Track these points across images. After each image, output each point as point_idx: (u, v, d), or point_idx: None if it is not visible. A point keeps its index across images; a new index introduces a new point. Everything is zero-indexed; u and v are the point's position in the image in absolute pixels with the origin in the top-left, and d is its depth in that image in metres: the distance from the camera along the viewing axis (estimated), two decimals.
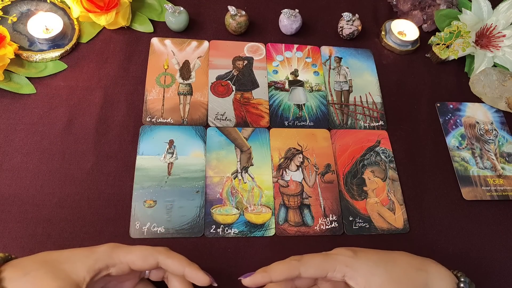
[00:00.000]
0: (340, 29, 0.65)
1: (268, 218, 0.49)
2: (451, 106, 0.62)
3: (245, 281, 0.37)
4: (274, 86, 0.59)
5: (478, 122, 0.61)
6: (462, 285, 0.36)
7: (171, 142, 0.52)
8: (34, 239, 0.44)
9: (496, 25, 0.64)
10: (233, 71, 0.60)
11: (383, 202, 0.52)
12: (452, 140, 0.59)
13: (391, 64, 0.65)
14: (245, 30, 0.63)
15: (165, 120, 0.54)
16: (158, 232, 0.46)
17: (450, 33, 0.62)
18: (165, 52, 0.59)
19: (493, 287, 0.49)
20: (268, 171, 0.52)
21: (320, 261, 0.37)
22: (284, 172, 0.53)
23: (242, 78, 0.59)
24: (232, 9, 0.60)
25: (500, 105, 0.62)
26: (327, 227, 0.50)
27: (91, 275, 0.33)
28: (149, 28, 0.61)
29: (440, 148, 0.58)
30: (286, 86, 0.60)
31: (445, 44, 0.64)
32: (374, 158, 0.55)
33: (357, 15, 0.64)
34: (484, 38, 0.66)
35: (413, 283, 0.36)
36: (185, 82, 0.57)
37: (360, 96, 0.61)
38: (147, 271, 0.39)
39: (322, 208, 0.51)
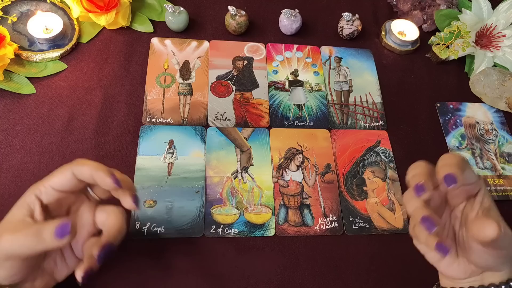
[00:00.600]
0: (340, 29, 0.65)
1: (268, 218, 0.49)
2: (451, 106, 0.62)
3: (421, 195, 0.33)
4: (274, 86, 0.59)
5: (478, 122, 0.61)
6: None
7: (171, 142, 0.52)
8: None
9: (496, 25, 0.64)
10: (233, 71, 0.60)
11: (383, 202, 0.52)
12: (452, 140, 0.59)
13: (391, 64, 0.65)
14: (245, 30, 0.63)
15: (165, 120, 0.54)
16: (158, 232, 0.46)
17: (450, 33, 0.62)
18: (165, 52, 0.59)
19: None
20: (268, 171, 0.52)
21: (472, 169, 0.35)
22: (284, 172, 0.53)
23: (242, 78, 0.59)
24: (232, 9, 0.60)
25: (500, 105, 0.62)
26: (327, 227, 0.50)
27: (25, 209, 0.34)
28: (149, 28, 0.61)
29: (440, 148, 0.58)
30: (286, 86, 0.60)
31: (445, 44, 0.64)
32: (374, 158, 0.55)
33: (357, 15, 0.64)
34: (484, 38, 0.66)
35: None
36: (185, 82, 0.57)
37: (360, 96, 0.61)
38: (90, 192, 0.38)
39: (322, 208, 0.51)
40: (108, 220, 0.37)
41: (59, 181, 0.35)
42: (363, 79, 0.62)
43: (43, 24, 0.56)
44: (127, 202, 0.36)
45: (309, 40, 0.65)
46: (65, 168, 0.35)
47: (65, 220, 0.31)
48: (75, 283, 0.42)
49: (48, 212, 0.36)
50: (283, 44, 0.64)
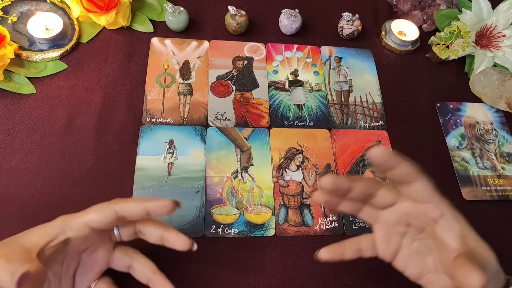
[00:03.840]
0: (340, 29, 0.65)
1: (268, 218, 0.49)
2: (451, 106, 0.62)
3: (325, 179, 0.34)
4: (274, 86, 0.59)
5: (478, 122, 0.61)
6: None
7: (171, 142, 0.52)
8: None
9: (496, 25, 0.64)
10: (233, 71, 0.60)
11: None
12: (452, 140, 0.59)
13: (391, 64, 0.65)
14: (245, 30, 0.63)
15: (165, 120, 0.54)
16: None
17: (450, 33, 0.62)
18: (165, 52, 0.59)
19: None
20: (268, 171, 0.52)
21: (432, 188, 0.35)
22: (284, 172, 0.53)
23: (242, 78, 0.59)
24: (232, 9, 0.60)
25: (500, 105, 0.62)
26: (327, 227, 0.50)
27: (45, 240, 0.32)
28: (149, 28, 0.61)
29: (440, 148, 0.58)
30: (286, 86, 0.60)
31: (445, 44, 0.64)
32: None
33: (357, 15, 0.64)
34: (484, 38, 0.66)
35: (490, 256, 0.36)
36: (185, 82, 0.57)
37: (360, 96, 0.61)
38: (115, 232, 0.37)
39: (322, 208, 0.51)
40: (138, 261, 0.38)
41: (97, 218, 0.34)
42: (363, 79, 0.62)
43: (43, 24, 0.56)
44: (181, 241, 0.37)
45: (309, 40, 0.65)
46: (105, 205, 0.35)
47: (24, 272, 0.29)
48: None
49: (65, 246, 0.35)
50: (283, 44, 0.64)
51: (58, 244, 0.33)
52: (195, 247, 0.37)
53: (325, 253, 0.39)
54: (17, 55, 0.54)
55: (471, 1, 0.65)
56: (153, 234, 0.38)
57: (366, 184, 0.37)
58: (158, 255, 0.45)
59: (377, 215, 0.39)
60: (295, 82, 0.60)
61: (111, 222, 0.35)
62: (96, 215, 0.34)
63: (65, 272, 0.37)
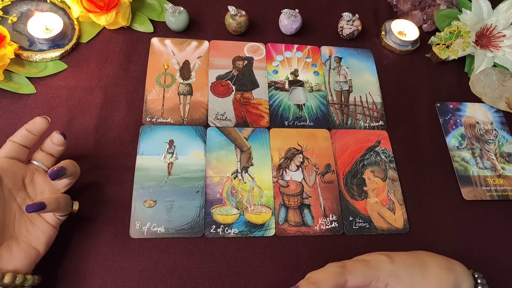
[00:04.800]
0: (340, 29, 0.65)
1: (268, 218, 0.49)
2: (451, 106, 0.62)
3: None
4: (274, 86, 0.59)
5: (478, 122, 0.61)
6: (480, 287, 0.36)
7: (171, 142, 0.52)
8: None
9: (496, 25, 0.64)
10: (233, 71, 0.60)
11: (383, 202, 0.52)
12: (452, 140, 0.59)
13: (391, 64, 0.65)
14: (245, 30, 0.63)
15: (165, 120, 0.54)
16: (158, 232, 0.46)
17: (450, 33, 0.62)
18: (165, 52, 0.59)
19: (494, 287, 0.49)
20: (268, 171, 0.52)
21: (365, 268, 0.36)
22: (284, 172, 0.53)
23: (242, 78, 0.59)
24: (232, 9, 0.60)
25: (500, 105, 0.62)
26: (327, 227, 0.50)
27: None
28: (149, 28, 0.61)
29: (440, 148, 0.58)
30: (286, 86, 0.60)
31: (445, 44, 0.64)
32: (374, 158, 0.55)
33: (357, 15, 0.64)
34: (484, 38, 0.66)
35: (447, 285, 0.36)
36: (185, 82, 0.57)
37: (360, 96, 0.61)
38: (35, 163, 0.43)
39: (322, 208, 0.51)
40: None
41: (4, 150, 0.40)
42: (363, 79, 0.62)
43: (43, 24, 0.56)
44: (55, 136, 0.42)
45: (309, 40, 0.65)
46: (5, 144, 0.41)
47: None
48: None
49: (5, 184, 0.39)
50: (283, 44, 0.64)
51: None
52: (64, 142, 0.43)
53: None
54: (17, 55, 0.54)
55: (471, 1, 0.65)
56: (48, 145, 0.43)
57: None
58: (158, 255, 0.45)
59: None
60: (295, 82, 0.60)
61: (17, 149, 0.41)
62: (2, 149, 0.41)
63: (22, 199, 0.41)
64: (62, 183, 0.42)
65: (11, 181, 0.40)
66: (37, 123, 0.42)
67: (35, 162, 0.43)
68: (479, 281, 0.37)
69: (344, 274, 0.35)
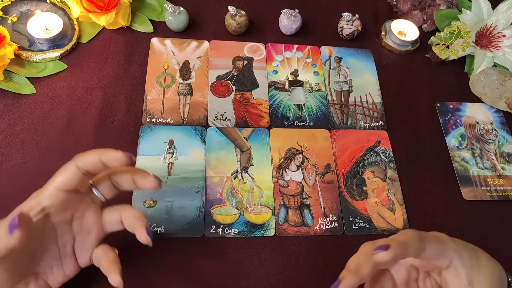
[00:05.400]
0: (340, 29, 0.65)
1: (268, 218, 0.49)
2: (451, 106, 0.62)
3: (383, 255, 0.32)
4: (274, 86, 0.59)
5: (478, 122, 0.61)
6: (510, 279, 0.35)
7: (171, 142, 0.52)
8: None
9: (496, 25, 0.64)
10: (233, 71, 0.60)
11: (383, 202, 0.52)
12: (452, 140, 0.59)
13: (391, 64, 0.65)
14: (245, 30, 0.63)
15: (165, 120, 0.54)
16: (158, 232, 0.46)
17: (450, 33, 0.62)
18: (165, 52, 0.59)
19: None
20: (268, 171, 0.52)
21: (437, 242, 0.33)
22: (284, 172, 0.52)
23: (242, 78, 0.59)
24: (232, 9, 0.60)
25: (500, 105, 0.62)
26: (327, 227, 0.50)
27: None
28: (149, 28, 0.61)
29: (440, 148, 0.58)
30: (286, 86, 0.60)
31: (445, 44, 0.64)
32: (374, 158, 0.55)
33: (357, 15, 0.64)
34: (484, 38, 0.66)
35: (496, 274, 0.34)
36: (185, 82, 0.57)
37: (360, 96, 0.61)
38: (95, 192, 0.38)
39: (322, 208, 0.51)
40: (126, 213, 0.38)
41: (63, 179, 0.34)
42: (363, 79, 0.62)
43: (43, 24, 0.56)
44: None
45: (309, 40, 0.65)
46: (67, 165, 0.35)
47: (14, 214, 0.31)
48: None
49: (50, 219, 0.35)
50: (283, 44, 0.64)
51: (35, 215, 0.33)
52: (163, 185, 0.39)
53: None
54: (17, 55, 0.54)
55: (471, 1, 0.65)
56: (127, 181, 0.38)
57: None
58: (158, 255, 0.45)
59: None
60: (295, 82, 0.60)
61: (78, 179, 0.34)
62: (61, 177, 0.34)
63: (63, 250, 0.37)
64: (111, 226, 0.39)
65: (58, 217, 0.35)
66: (118, 159, 0.35)
67: (95, 192, 0.38)
68: (509, 279, 0.36)
69: (424, 241, 0.33)
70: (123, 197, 0.48)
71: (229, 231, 0.47)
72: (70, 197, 0.35)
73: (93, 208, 0.38)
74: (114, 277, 0.35)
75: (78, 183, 0.35)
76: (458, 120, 0.61)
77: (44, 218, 0.34)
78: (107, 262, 0.37)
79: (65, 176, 0.34)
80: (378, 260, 0.32)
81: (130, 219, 0.38)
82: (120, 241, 0.45)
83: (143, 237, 0.36)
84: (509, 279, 0.36)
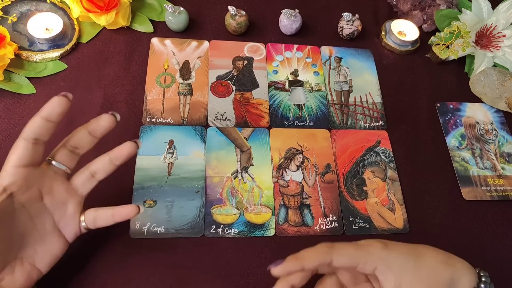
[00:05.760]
0: (340, 29, 0.65)
1: (268, 218, 0.49)
2: (451, 106, 0.62)
3: (275, 270, 0.34)
4: (274, 86, 0.59)
5: (478, 122, 0.61)
6: (482, 285, 0.35)
7: (171, 142, 0.52)
8: None
9: (496, 25, 0.64)
10: (233, 71, 0.60)
11: (383, 202, 0.52)
12: (452, 140, 0.59)
13: (391, 64, 0.65)
14: (245, 30, 0.63)
15: (165, 120, 0.54)
16: (158, 232, 0.46)
17: (450, 33, 0.62)
18: (165, 52, 0.59)
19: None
20: (268, 171, 0.52)
21: (353, 251, 0.35)
22: (284, 172, 0.52)
23: (242, 78, 0.59)
24: (232, 9, 0.60)
25: (500, 105, 0.62)
26: (327, 227, 0.50)
27: None
28: (149, 28, 0.61)
29: (440, 148, 0.58)
30: (286, 86, 0.60)
31: (445, 44, 0.64)
32: (374, 158, 0.55)
33: (357, 15, 0.64)
34: (484, 38, 0.66)
35: (441, 278, 0.35)
36: (185, 82, 0.57)
37: (360, 96, 0.61)
38: (56, 164, 0.38)
39: (322, 208, 0.51)
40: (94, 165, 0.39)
41: (16, 155, 0.34)
42: (363, 79, 0.62)
43: (43, 24, 0.56)
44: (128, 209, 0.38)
45: (309, 40, 0.65)
46: (15, 142, 0.34)
47: None
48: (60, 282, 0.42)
49: (16, 199, 0.35)
50: (283, 44, 0.64)
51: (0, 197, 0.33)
52: (117, 117, 0.40)
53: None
54: (17, 55, 0.54)
55: (471, 1, 0.65)
56: (82, 137, 0.38)
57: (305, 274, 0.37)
58: (158, 255, 0.45)
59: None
60: (295, 82, 0.60)
61: (30, 150, 0.34)
62: (14, 153, 0.34)
63: (42, 229, 0.36)
64: (85, 186, 0.39)
65: (24, 195, 0.35)
66: (55, 105, 0.35)
67: (54, 163, 0.37)
68: (483, 279, 0.36)
69: (330, 254, 0.34)
70: (123, 197, 0.48)
71: (229, 231, 0.47)
72: (29, 172, 0.35)
73: (59, 179, 0.37)
74: (129, 209, 0.38)
75: (31, 155, 0.34)
76: (458, 120, 0.61)
77: (9, 198, 0.34)
78: (107, 209, 0.39)
79: (17, 152, 0.34)
80: (273, 274, 0.34)
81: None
82: (120, 241, 0.46)
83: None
84: (481, 274, 0.36)
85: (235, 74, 0.60)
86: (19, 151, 0.34)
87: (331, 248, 0.35)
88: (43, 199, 0.37)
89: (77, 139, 0.38)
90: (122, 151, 0.40)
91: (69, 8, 0.58)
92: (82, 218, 0.39)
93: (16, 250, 0.35)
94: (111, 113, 0.39)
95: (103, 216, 0.39)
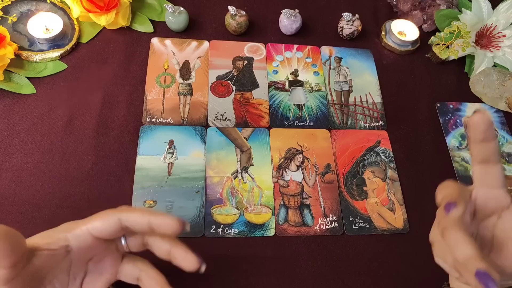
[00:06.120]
0: (340, 29, 0.65)
1: (268, 218, 0.49)
2: (451, 106, 0.62)
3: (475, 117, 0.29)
4: (274, 86, 0.59)
5: None
6: None
7: (171, 142, 0.52)
8: None
9: (496, 25, 0.64)
10: (233, 71, 0.60)
11: (383, 202, 0.52)
12: (452, 140, 0.59)
13: (391, 64, 0.65)
14: (245, 30, 0.63)
15: (165, 120, 0.54)
16: None
17: (450, 33, 0.62)
18: (165, 52, 0.59)
19: None
20: (268, 171, 0.52)
21: (504, 176, 0.32)
22: (284, 172, 0.53)
23: (242, 78, 0.59)
24: (232, 9, 0.60)
25: (500, 105, 0.62)
26: (327, 227, 0.50)
27: (44, 242, 0.31)
28: (149, 28, 0.61)
29: (440, 148, 0.58)
30: (286, 86, 0.60)
31: (445, 44, 0.64)
32: (374, 158, 0.55)
33: (357, 15, 0.64)
34: (484, 38, 0.66)
35: None
36: (185, 82, 0.57)
37: (360, 96, 0.61)
38: (123, 242, 0.35)
39: (322, 208, 0.51)
40: (147, 273, 0.36)
41: (100, 226, 0.32)
42: (363, 79, 0.62)
43: (43, 24, 0.56)
44: (189, 260, 0.34)
45: (309, 40, 0.65)
46: (110, 212, 0.33)
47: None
48: None
49: (68, 254, 0.33)
50: (283, 44, 0.64)
51: (58, 249, 0.32)
52: (203, 268, 0.35)
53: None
54: (17, 55, 0.54)
55: (471, 1, 0.65)
56: (161, 248, 0.36)
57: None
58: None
59: None
60: (295, 82, 0.60)
61: (115, 231, 0.33)
62: (100, 223, 0.32)
63: (72, 281, 0.35)
64: (127, 278, 0.36)
65: (79, 255, 0.33)
66: (169, 226, 0.32)
67: (123, 242, 0.35)
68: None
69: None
70: (123, 197, 0.48)
71: (229, 231, 0.47)
72: (99, 243, 0.33)
73: (113, 255, 0.36)
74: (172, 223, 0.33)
75: (113, 235, 0.33)
76: (458, 120, 0.61)
77: (65, 253, 0.33)
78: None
79: (103, 224, 0.32)
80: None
81: (151, 283, 0.36)
82: None
83: (190, 261, 0.35)
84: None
85: (235, 74, 0.59)
86: (106, 225, 0.32)
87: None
88: (90, 261, 0.35)
89: (158, 247, 0.36)
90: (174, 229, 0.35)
91: (69, 8, 0.58)
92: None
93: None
94: (201, 262, 0.36)
95: (157, 245, 0.36)
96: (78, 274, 0.36)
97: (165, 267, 0.45)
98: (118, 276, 0.37)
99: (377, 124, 0.59)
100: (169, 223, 0.32)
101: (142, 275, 0.36)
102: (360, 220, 0.50)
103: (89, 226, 0.32)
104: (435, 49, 0.65)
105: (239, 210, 0.49)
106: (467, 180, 0.55)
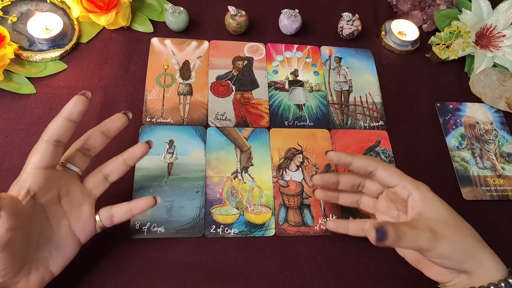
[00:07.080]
0: (340, 29, 0.65)
1: (268, 218, 0.49)
2: (451, 106, 0.62)
3: (330, 154, 0.43)
4: (274, 86, 0.59)
5: (478, 122, 0.61)
6: (510, 280, 0.36)
7: (171, 142, 0.52)
8: None
9: (496, 25, 0.64)
10: (233, 71, 0.60)
11: None
12: (452, 140, 0.59)
13: (391, 64, 0.65)
14: (245, 30, 0.63)
15: (165, 120, 0.54)
16: (158, 232, 0.46)
17: (450, 33, 0.62)
18: (165, 52, 0.59)
19: None
20: (268, 171, 0.52)
21: (398, 172, 0.41)
22: (284, 172, 0.52)
23: (242, 78, 0.59)
24: (232, 9, 0.60)
25: (500, 105, 0.62)
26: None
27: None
28: (149, 28, 0.61)
29: (440, 148, 0.58)
30: (286, 86, 0.60)
31: (445, 44, 0.64)
32: None
33: (357, 15, 0.64)
34: (484, 38, 0.66)
35: (468, 231, 0.40)
36: (185, 82, 0.57)
37: (360, 96, 0.61)
38: (70, 167, 0.39)
39: (322, 208, 0.51)
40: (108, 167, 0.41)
41: (37, 157, 0.34)
42: (363, 79, 0.62)
43: (43, 24, 0.56)
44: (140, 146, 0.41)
45: (309, 40, 0.65)
46: (36, 144, 0.35)
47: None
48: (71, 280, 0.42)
49: (37, 200, 0.35)
50: (283, 44, 0.64)
51: (23, 198, 0.34)
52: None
53: (332, 225, 0.45)
54: (17, 55, 0.54)
55: (471, 1, 0.65)
56: (95, 137, 0.40)
57: (349, 177, 0.45)
58: (158, 255, 0.45)
59: (373, 204, 0.46)
60: (295, 82, 0.60)
61: (51, 152, 0.35)
62: (35, 155, 0.34)
63: (58, 230, 0.37)
64: (98, 188, 0.40)
65: (44, 197, 0.36)
66: (76, 103, 0.36)
67: (71, 167, 0.39)
68: (510, 280, 0.37)
69: (376, 165, 0.42)
70: (123, 197, 0.48)
71: (229, 231, 0.47)
72: (49, 174, 0.35)
73: (75, 182, 0.39)
74: (147, 201, 0.40)
75: (53, 157, 0.35)
76: (458, 120, 0.61)
77: (32, 200, 0.35)
78: (123, 205, 0.41)
79: (38, 153, 0.34)
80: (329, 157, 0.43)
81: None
82: (120, 241, 0.46)
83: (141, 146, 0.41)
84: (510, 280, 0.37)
85: (235, 74, 0.60)
86: (40, 153, 0.34)
87: (378, 162, 0.42)
88: (61, 202, 0.38)
89: (91, 140, 0.40)
90: (136, 151, 0.41)
91: (69, 8, 0.58)
92: (97, 218, 0.40)
93: (33, 253, 0.35)
94: (123, 112, 0.41)
95: (121, 212, 0.40)
96: (60, 221, 0.37)
97: (165, 267, 0.45)
98: (93, 195, 0.40)
99: (377, 124, 0.59)
100: (114, 117, 0.40)
101: (113, 210, 0.41)
102: None
103: (30, 165, 0.34)
104: (435, 49, 0.65)
105: (239, 210, 0.49)
106: (467, 180, 0.56)
